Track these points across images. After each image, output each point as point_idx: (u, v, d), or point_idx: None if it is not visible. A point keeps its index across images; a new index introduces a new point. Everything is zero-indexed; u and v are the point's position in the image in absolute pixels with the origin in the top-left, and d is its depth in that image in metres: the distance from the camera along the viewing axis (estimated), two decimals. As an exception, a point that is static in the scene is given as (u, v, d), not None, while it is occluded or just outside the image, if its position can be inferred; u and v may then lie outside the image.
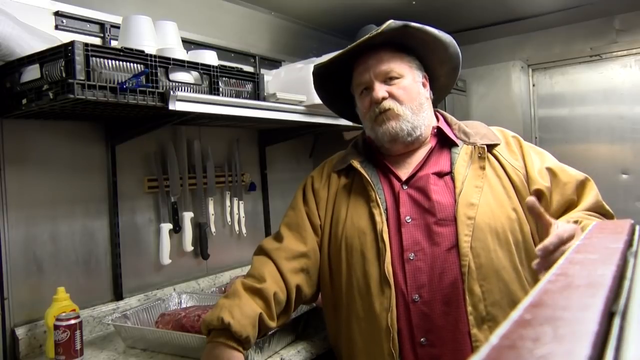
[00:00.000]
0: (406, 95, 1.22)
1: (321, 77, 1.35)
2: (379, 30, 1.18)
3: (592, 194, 1.17)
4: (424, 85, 1.29)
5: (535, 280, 1.13)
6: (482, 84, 2.73)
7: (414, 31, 1.21)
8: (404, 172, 1.24)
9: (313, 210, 1.30)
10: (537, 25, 2.57)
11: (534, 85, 2.72)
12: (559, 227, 0.88)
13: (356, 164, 1.26)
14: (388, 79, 1.23)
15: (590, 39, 2.47)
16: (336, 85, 1.36)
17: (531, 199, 0.94)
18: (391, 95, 1.21)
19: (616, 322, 0.31)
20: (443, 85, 1.37)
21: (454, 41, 1.27)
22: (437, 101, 1.36)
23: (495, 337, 0.28)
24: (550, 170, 1.19)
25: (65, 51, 1.15)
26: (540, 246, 0.83)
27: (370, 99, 1.23)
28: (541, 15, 2.53)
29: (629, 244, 0.52)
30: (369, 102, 1.24)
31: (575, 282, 0.38)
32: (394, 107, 1.21)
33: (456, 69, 1.33)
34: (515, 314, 0.31)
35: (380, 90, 1.21)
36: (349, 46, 1.23)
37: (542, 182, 1.17)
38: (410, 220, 1.17)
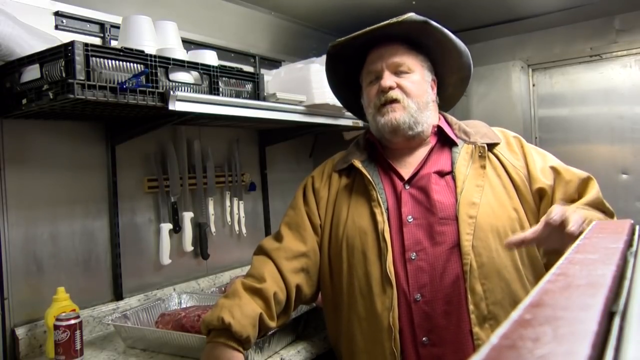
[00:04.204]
0: (414, 89, 1.23)
1: (333, 59, 1.35)
2: (399, 20, 1.19)
3: (593, 191, 1.17)
4: (431, 86, 1.29)
5: (536, 279, 1.13)
6: (482, 84, 2.73)
7: (433, 30, 1.22)
8: (406, 171, 1.24)
9: (313, 210, 1.30)
10: (537, 25, 2.57)
11: (534, 85, 2.72)
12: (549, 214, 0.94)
13: (357, 163, 1.26)
14: (399, 72, 1.24)
15: (590, 39, 2.46)
16: (346, 71, 1.36)
17: (508, 242, 0.99)
18: (399, 87, 1.22)
19: (616, 322, 0.31)
20: (450, 95, 1.38)
21: (468, 51, 1.28)
22: (444, 110, 1.37)
23: (495, 337, 0.28)
24: (554, 169, 1.19)
25: (65, 51, 1.15)
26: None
27: (379, 87, 1.23)
28: (541, 15, 2.53)
29: (629, 244, 0.52)
30: (376, 91, 1.25)
31: (575, 282, 0.38)
32: (400, 98, 1.22)
33: (465, 80, 1.34)
34: (515, 314, 0.31)
35: (388, 79, 1.22)
36: (367, 28, 1.23)
37: (544, 180, 1.18)
38: (411, 219, 1.17)
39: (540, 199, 1.19)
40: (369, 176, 1.23)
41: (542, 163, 1.21)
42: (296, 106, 1.75)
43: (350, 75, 1.36)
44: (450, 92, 1.37)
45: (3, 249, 1.36)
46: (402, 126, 1.21)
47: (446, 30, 1.23)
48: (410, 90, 1.22)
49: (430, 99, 1.28)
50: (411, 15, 1.19)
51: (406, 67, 1.24)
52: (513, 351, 0.26)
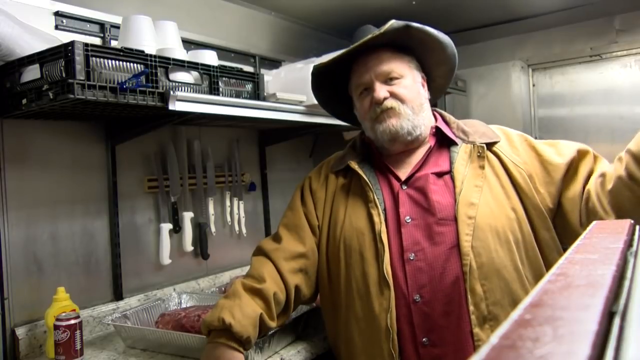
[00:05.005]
0: (408, 94, 1.22)
1: (319, 77, 1.34)
2: (382, 31, 1.17)
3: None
4: (422, 85, 1.29)
5: (535, 279, 1.13)
6: (482, 84, 2.73)
7: (415, 32, 1.21)
8: (403, 172, 1.24)
9: (311, 211, 1.30)
10: (537, 25, 2.57)
11: (534, 85, 2.72)
12: None
13: (354, 164, 1.26)
14: (389, 80, 1.22)
15: (590, 39, 2.47)
16: (333, 85, 1.35)
17: None
18: (392, 95, 1.21)
19: (616, 322, 0.31)
20: (439, 86, 1.37)
21: (451, 42, 1.27)
22: (432, 101, 1.36)
23: (495, 337, 0.28)
24: (579, 151, 1.19)
25: (65, 51, 1.15)
26: None
27: (371, 100, 1.22)
28: (541, 15, 2.53)
29: (629, 244, 0.52)
30: (369, 103, 1.24)
31: (575, 282, 0.38)
32: (395, 105, 1.21)
33: (452, 70, 1.33)
34: (515, 314, 0.31)
35: (381, 90, 1.21)
36: (350, 47, 1.23)
37: (564, 159, 1.17)
38: (410, 220, 1.17)
39: (568, 173, 1.17)
40: (365, 177, 1.23)
41: (556, 149, 1.20)
42: (296, 106, 1.75)
43: (337, 87, 1.35)
44: (439, 83, 1.36)
45: (3, 249, 1.36)
46: (400, 132, 1.21)
47: (428, 28, 1.22)
48: (404, 97, 1.21)
49: (424, 98, 1.27)
50: (392, 23, 1.17)
51: (396, 73, 1.22)
52: (513, 351, 0.26)
